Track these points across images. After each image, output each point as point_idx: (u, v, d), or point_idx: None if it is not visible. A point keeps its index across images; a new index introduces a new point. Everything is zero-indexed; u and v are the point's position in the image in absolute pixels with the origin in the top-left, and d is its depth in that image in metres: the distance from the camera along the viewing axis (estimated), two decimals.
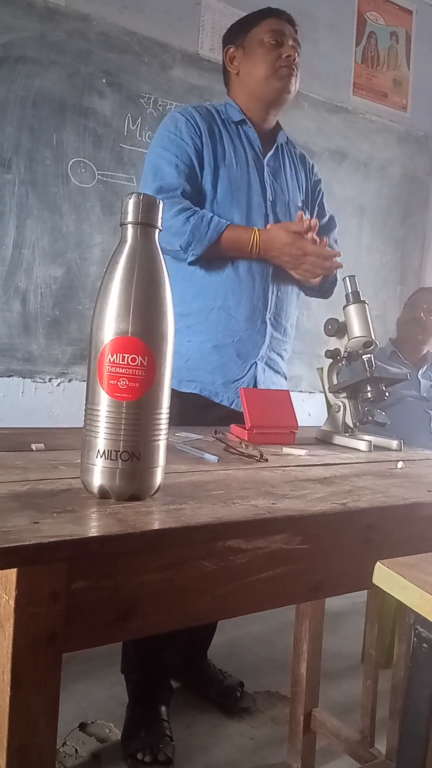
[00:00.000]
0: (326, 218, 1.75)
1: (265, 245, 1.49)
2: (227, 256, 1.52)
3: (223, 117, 1.61)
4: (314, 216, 1.68)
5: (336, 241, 1.74)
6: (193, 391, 1.54)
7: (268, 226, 1.53)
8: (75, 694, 1.68)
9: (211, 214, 1.49)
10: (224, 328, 1.54)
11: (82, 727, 1.57)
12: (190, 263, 1.50)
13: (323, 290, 1.70)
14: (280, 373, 1.66)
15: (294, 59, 1.55)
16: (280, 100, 1.60)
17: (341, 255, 1.54)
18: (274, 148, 1.66)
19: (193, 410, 1.52)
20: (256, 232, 1.49)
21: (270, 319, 1.58)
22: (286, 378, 1.71)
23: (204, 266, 1.53)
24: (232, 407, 1.54)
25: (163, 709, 1.55)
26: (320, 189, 1.78)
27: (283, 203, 1.63)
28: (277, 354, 1.64)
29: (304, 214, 1.55)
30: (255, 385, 1.56)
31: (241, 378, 1.56)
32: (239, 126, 1.62)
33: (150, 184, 1.50)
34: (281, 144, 1.68)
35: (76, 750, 1.49)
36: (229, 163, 1.56)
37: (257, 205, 1.57)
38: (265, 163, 1.62)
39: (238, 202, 1.55)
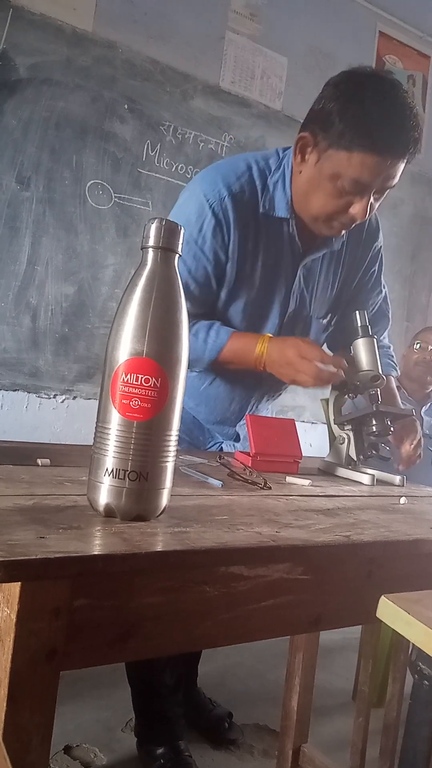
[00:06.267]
0: (375, 306, 1.55)
1: (272, 359, 1.25)
2: (233, 369, 1.34)
3: (266, 207, 1.30)
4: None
5: (385, 341, 1.58)
6: None
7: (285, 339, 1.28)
8: (61, 716, 1.65)
9: (209, 328, 1.30)
10: (188, 430, 1.45)
11: (67, 750, 1.54)
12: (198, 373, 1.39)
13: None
14: None
15: (359, 220, 1.23)
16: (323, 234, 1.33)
17: (346, 368, 1.25)
18: (318, 252, 1.38)
19: None
20: (264, 344, 1.25)
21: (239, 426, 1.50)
22: None
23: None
24: None
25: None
26: (373, 271, 1.55)
27: (301, 318, 1.42)
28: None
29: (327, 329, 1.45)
30: None
31: None
32: (283, 222, 1.32)
33: None
34: (332, 251, 1.41)
35: None
36: (253, 283, 1.34)
37: (272, 322, 1.39)
38: (301, 265, 1.37)
39: (251, 321, 1.37)
